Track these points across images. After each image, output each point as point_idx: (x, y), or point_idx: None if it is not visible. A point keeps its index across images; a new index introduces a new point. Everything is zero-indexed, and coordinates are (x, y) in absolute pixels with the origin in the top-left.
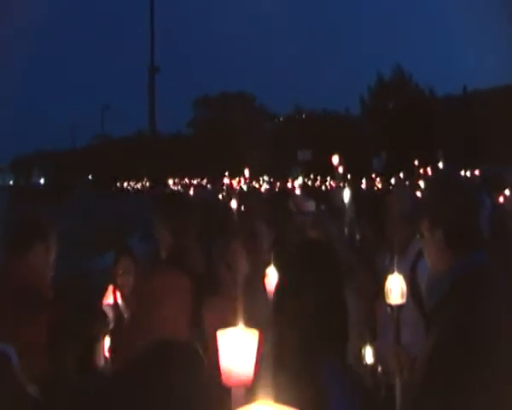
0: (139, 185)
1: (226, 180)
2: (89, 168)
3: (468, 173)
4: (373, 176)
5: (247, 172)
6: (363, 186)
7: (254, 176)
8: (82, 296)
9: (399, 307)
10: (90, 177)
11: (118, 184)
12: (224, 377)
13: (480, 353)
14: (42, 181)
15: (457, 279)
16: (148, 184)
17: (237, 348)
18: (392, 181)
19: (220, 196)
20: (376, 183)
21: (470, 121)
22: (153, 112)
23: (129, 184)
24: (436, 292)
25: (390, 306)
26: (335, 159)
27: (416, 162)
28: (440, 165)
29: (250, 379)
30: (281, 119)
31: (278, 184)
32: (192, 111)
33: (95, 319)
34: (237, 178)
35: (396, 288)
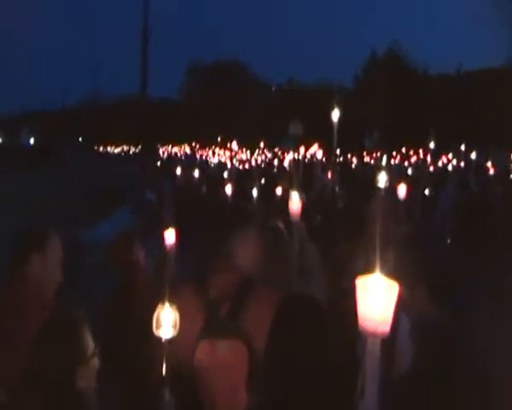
0: (119, 149)
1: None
2: (78, 129)
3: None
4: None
5: (234, 145)
6: (354, 165)
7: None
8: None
9: None
10: (80, 139)
11: (100, 147)
12: (360, 325)
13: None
14: (32, 141)
15: None
16: (133, 148)
17: (377, 297)
18: (384, 159)
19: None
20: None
21: (463, 101)
22: (145, 75)
23: (112, 148)
24: None
25: None
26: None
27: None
28: (431, 145)
29: (386, 330)
30: (272, 88)
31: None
32: (185, 78)
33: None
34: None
35: None
